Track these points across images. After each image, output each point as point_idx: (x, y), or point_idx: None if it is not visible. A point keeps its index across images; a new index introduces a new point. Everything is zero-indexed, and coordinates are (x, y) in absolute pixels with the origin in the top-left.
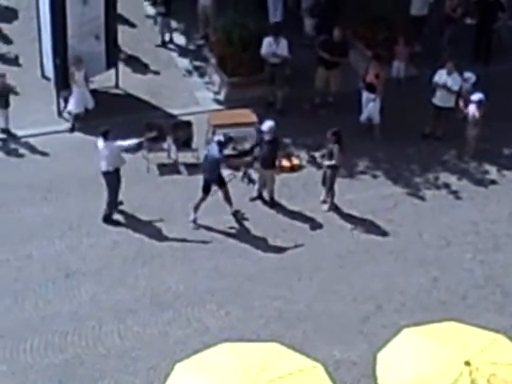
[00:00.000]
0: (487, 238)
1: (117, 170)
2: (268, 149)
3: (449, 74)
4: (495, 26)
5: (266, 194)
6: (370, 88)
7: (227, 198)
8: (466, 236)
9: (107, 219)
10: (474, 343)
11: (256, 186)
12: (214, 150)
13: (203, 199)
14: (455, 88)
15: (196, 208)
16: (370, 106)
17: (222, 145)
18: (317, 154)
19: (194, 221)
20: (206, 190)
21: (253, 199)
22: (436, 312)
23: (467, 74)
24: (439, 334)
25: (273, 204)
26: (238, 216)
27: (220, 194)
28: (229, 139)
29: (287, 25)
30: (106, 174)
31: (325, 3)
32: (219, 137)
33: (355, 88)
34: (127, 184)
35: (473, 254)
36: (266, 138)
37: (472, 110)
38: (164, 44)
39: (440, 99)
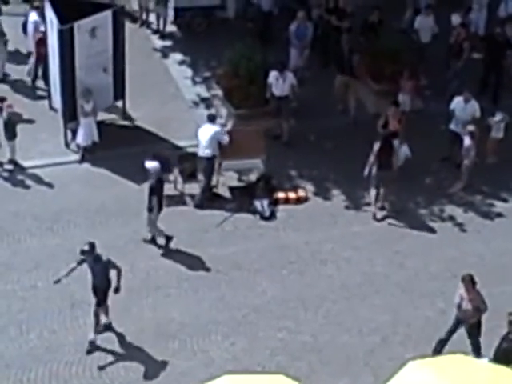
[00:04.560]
0: (493, 271)
1: (213, 157)
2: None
3: (466, 101)
4: (504, 64)
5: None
6: (396, 135)
7: None
8: (473, 268)
9: (199, 206)
10: (480, 376)
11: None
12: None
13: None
14: (477, 115)
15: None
16: (403, 150)
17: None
18: None
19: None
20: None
21: (146, 240)
22: None
23: (500, 116)
24: (445, 366)
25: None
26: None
27: (224, 224)
28: None
29: None
30: (204, 159)
31: (322, 35)
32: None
33: (359, 119)
34: (133, 214)
35: (479, 287)
36: (151, 178)
37: (466, 141)
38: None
39: (456, 125)
